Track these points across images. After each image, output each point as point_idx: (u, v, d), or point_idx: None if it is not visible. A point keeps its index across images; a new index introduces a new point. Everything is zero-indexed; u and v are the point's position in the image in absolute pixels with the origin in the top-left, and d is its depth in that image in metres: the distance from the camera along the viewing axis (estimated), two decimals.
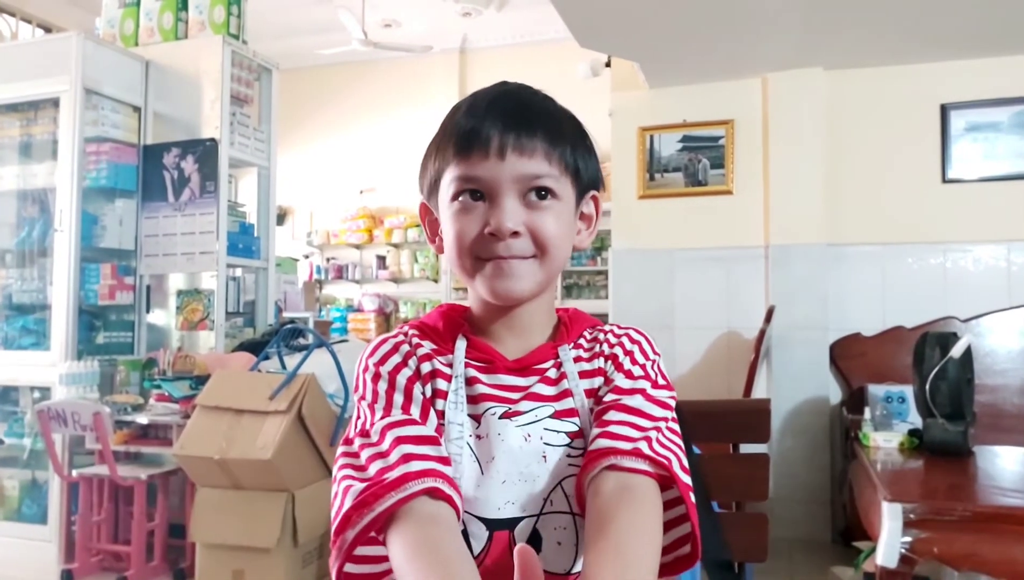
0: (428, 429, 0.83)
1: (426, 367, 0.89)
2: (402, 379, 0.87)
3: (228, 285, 4.03)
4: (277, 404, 2.83)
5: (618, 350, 0.92)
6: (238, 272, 4.20)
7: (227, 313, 4.01)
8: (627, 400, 0.87)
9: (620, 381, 0.90)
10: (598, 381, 0.91)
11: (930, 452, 2.50)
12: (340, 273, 8.61)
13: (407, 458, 0.78)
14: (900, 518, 1.91)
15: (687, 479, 0.84)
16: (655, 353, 0.94)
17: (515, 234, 0.84)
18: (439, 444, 0.82)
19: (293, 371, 2.94)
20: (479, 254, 0.86)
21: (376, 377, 0.87)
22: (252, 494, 2.81)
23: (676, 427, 0.90)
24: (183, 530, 3.32)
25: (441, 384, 0.88)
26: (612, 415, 0.86)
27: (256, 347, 3.65)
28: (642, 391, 0.89)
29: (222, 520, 2.84)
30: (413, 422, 0.83)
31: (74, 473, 3.50)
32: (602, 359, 0.92)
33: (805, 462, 3.89)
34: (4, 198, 4.04)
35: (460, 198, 0.86)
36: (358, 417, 0.87)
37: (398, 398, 0.85)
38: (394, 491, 0.75)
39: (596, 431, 0.85)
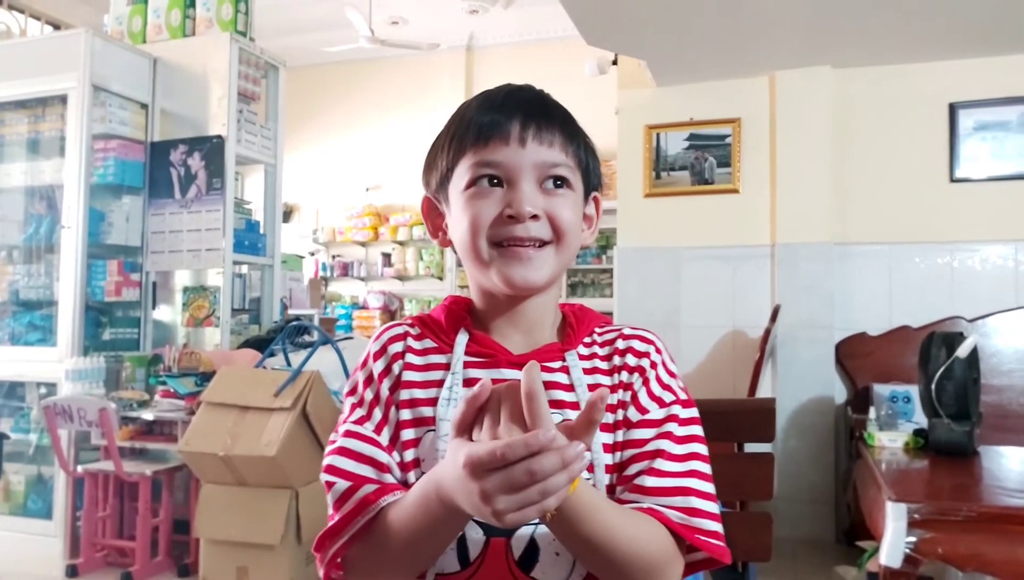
0: (378, 449, 0.88)
1: (413, 376, 0.90)
2: (384, 390, 0.90)
3: (234, 282, 4.04)
4: (282, 401, 2.84)
5: (645, 363, 0.91)
6: (244, 269, 4.21)
7: (233, 310, 4.02)
8: (668, 446, 0.87)
9: (654, 411, 0.88)
10: (625, 395, 0.89)
11: (935, 452, 2.49)
12: (345, 270, 8.61)
13: (356, 488, 0.85)
14: (904, 518, 1.91)
15: (711, 526, 0.84)
16: (672, 360, 0.93)
17: (534, 218, 0.85)
18: (382, 450, 0.87)
19: (298, 368, 2.95)
20: (496, 239, 0.86)
21: (369, 380, 0.92)
22: (256, 491, 2.82)
23: (704, 451, 0.89)
24: (187, 526, 3.33)
25: (431, 391, 0.89)
26: (651, 465, 0.86)
27: (261, 344, 3.65)
28: (672, 428, 0.88)
29: (226, 516, 2.85)
30: (371, 441, 0.88)
31: (79, 469, 3.52)
32: (627, 373, 0.90)
33: (810, 461, 3.88)
34: (12, 195, 4.06)
35: (477, 184, 0.86)
36: (349, 398, 0.92)
37: (377, 413, 0.90)
38: (359, 516, 0.83)
39: (636, 470, 0.86)
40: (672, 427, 0.87)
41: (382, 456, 0.86)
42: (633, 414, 0.88)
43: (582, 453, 0.67)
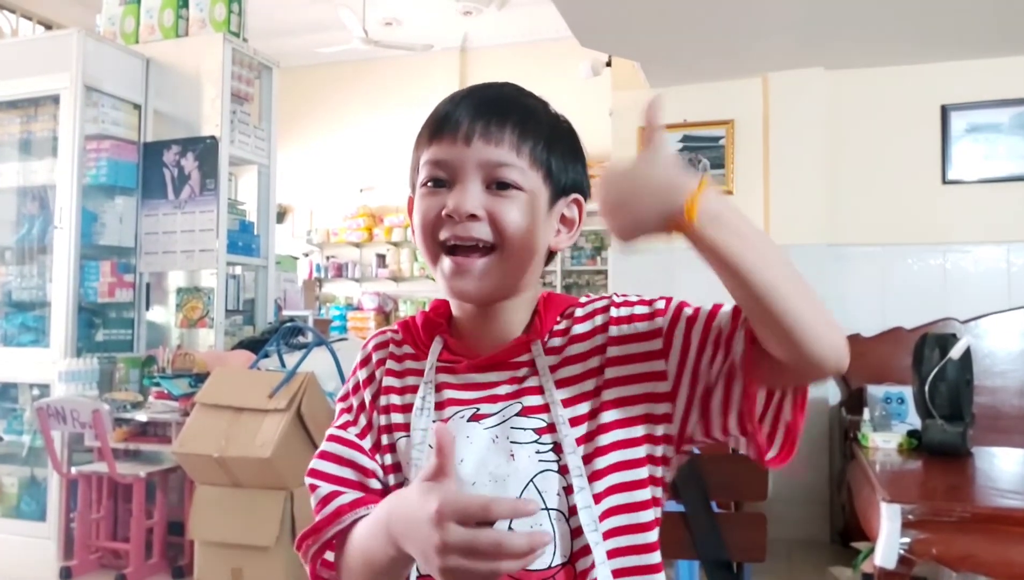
0: (360, 454, 0.90)
1: (391, 382, 0.91)
2: (367, 397, 0.92)
3: (228, 283, 4.03)
4: (276, 402, 2.83)
5: (613, 311, 0.90)
6: (238, 270, 4.20)
7: (227, 311, 4.01)
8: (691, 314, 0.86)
9: (660, 321, 0.87)
10: (594, 361, 0.87)
11: (929, 453, 2.50)
12: (340, 271, 8.60)
13: (335, 494, 0.87)
14: (899, 519, 1.91)
15: None
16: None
17: (473, 217, 0.82)
18: (365, 455, 0.89)
19: (292, 369, 2.94)
20: (439, 238, 0.84)
21: (356, 387, 0.94)
22: (251, 492, 2.81)
23: None
24: (182, 528, 3.32)
25: (407, 397, 0.89)
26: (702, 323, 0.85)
27: (255, 345, 3.65)
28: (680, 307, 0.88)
29: (221, 518, 2.84)
30: (354, 445, 0.90)
31: (73, 470, 3.50)
32: (600, 335, 0.88)
33: (804, 462, 3.88)
34: (4, 195, 4.04)
35: (427, 182, 0.86)
36: (340, 404, 0.95)
37: (362, 419, 0.92)
38: (332, 525, 0.85)
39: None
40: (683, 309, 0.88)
41: (364, 460, 0.88)
42: (637, 327, 0.87)
43: (546, 545, 0.69)
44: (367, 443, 0.90)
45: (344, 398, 0.95)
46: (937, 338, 2.56)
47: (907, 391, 2.84)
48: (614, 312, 0.89)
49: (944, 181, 3.87)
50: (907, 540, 1.90)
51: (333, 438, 0.90)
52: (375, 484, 0.88)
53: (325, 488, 0.87)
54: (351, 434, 0.90)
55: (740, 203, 3.63)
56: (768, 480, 1.47)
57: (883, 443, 2.64)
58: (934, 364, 2.47)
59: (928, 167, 3.89)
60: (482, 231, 0.83)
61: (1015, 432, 3.41)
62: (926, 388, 2.48)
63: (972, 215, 3.83)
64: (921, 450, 2.55)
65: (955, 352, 2.45)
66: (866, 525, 2.24)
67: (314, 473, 0.89)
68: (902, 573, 1.91)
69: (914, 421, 2.74)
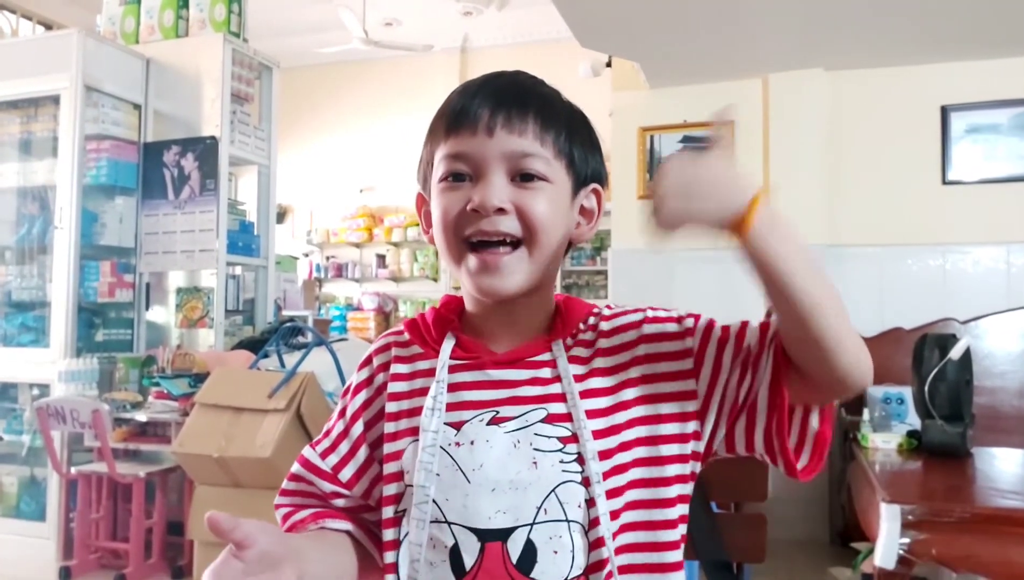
0: (321, 478, 0.90)
1: (399, 387, 0.88)
2: (356, 402, 0.92)
3: (228, 283, 4.03)
4: (276, 402, 2.83)
5: (646, 328, 0.86)
6: (238, 270, 4.21)
7: (227, 311, 4.02)
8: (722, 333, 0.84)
9: (690, 341, 0.84)
10: (621, 376, 0.84)
11: (928, 454, 2.50)
12: (340, 272, 8.60)
13: (302, 505, 0.90)
14: (898, 519, 1.91)
15: None
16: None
17: (501, 211, 0.80)
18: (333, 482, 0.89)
19: (292, 369, 2.94)
20: (463, 234, 0.82)
21: (345, 393, 0.94)
22: (251, 492, 2.81)
23: None
24: (182, 528, 3.32)
25: (415, 401, 0.86)
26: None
27: (255, 345, 3.65)
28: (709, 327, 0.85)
29: None
30: (314, 469, 0.91)
31: (73, 470, 3.51)
32: (625, 352, 0.85)
33: None
34: (4, 195, 4.05)
35: (448, 176, 0.83)
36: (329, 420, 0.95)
37: (338, 426, 0.92)
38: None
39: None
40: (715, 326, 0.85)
41: (323, 485, 0.89)
42: (668, 346, 0.85)
43: None
44: (331, 460, 0.89)
45: (340, 407, 0.94)
46: (937, 338, 2.56)
47: (907, 391, 2.84)
48: (646, 328, 0.86)
49: (944, 182, 3.87)
50: (907, 540, 1.90)
51: (300, 459, 0.92)
52: (338, 504, 0.90)
53: (284, 508, 0.90)
54: (316, 453, 0.91)
55: None
56: (768, 480, 1.47)
57: (883, 443, 2.64)
58: (934, 364, 2.47)
59: (928, 168, 3.89)
60: (509, 225, 0.81)
61: (1015, 432, 3.41)
62: (926, 388, 2.48)
63: (972, 216, 3.83)
64: (921, 450, 2.55)
65: (955, 352, 2.45)
66: (866, 526, 2.24)
67: (282, 492, 0.92)
68: (902, 573, 1.91)
69: (914, 421, 2.74)
